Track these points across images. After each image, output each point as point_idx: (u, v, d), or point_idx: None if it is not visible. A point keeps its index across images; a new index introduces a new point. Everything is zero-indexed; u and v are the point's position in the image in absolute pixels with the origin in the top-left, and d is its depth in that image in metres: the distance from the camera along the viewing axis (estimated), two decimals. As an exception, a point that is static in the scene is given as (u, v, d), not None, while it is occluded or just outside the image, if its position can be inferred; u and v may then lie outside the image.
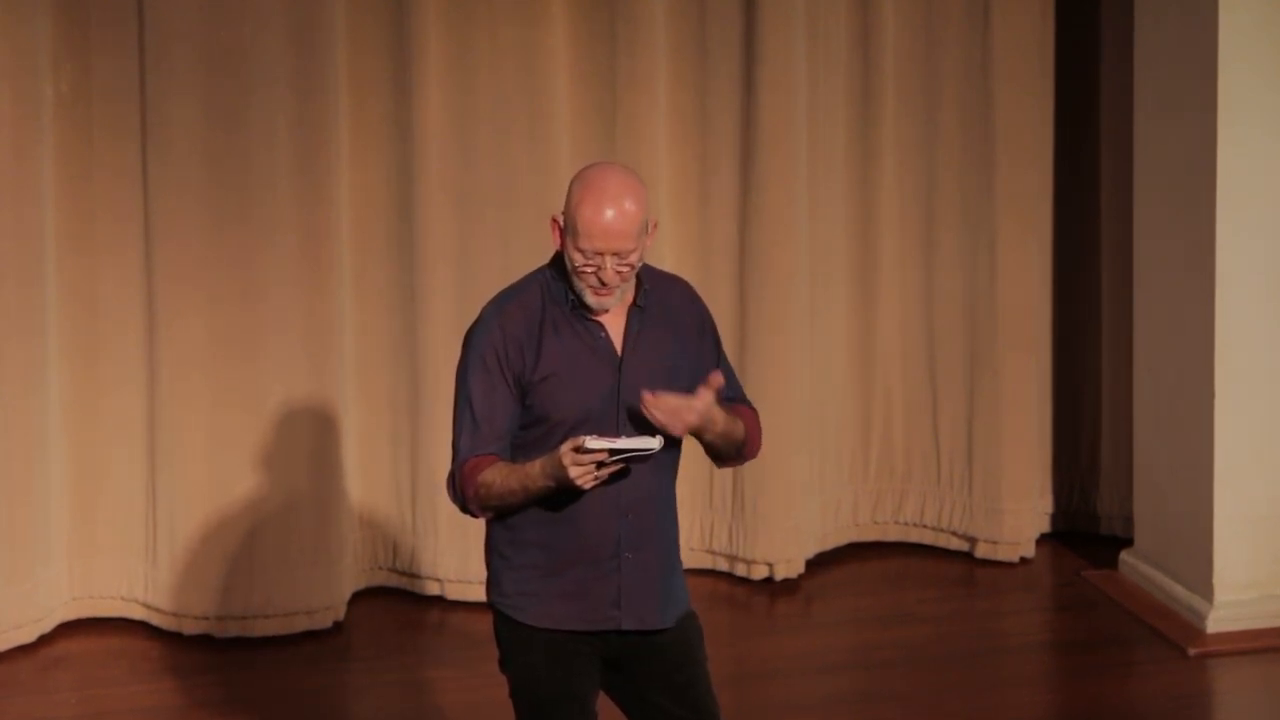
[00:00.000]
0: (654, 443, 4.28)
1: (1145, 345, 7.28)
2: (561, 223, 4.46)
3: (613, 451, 4.26)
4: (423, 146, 7.09)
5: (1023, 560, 7.69)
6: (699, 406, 4.40)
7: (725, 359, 4.70)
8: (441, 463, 7.18)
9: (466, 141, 7.12)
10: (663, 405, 4.37)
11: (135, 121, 6.88)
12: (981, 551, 7.71)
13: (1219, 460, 6.90)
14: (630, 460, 4.32)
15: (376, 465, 7.29)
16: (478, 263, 7.15)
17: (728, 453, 4.62)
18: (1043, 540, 7.84)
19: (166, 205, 6.85)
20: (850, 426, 7.73)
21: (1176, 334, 7.07)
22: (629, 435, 4.35)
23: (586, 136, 7.24)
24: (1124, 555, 7.46)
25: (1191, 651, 6.84)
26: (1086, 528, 7.93)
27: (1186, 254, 6.98)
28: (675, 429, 4.39)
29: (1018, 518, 7.68)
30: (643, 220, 4.41)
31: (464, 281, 7.15)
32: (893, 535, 7.87)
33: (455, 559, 7.23)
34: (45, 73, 6.80)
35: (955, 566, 7.67)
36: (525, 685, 4.61)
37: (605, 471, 4.31)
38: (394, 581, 7.39)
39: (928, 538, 7.82)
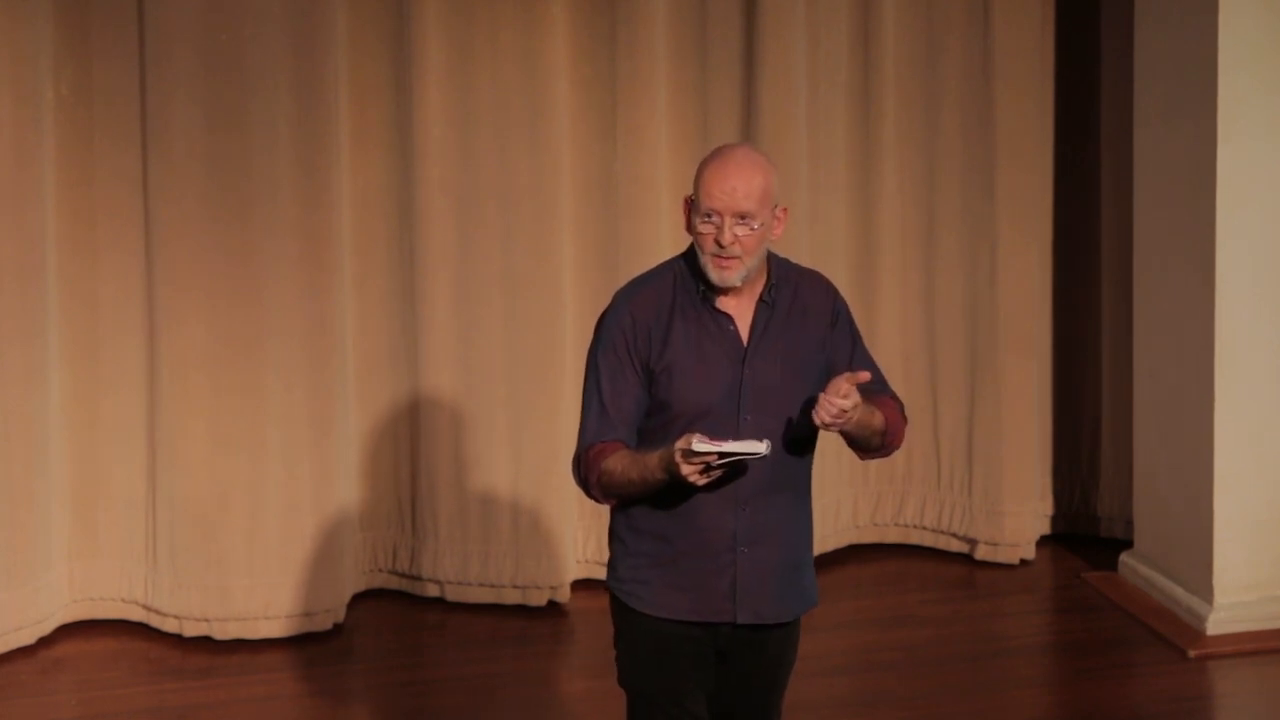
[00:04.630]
0: (761, 447, 4.28)
1: (1145, 348, 7.28)
2: (691, 201, 4.49)
3: (721, 454, 4.28)
4: (423, 149, 7.09)
5: (1023, 562, 7.69)
6: (848, 405, 4.36)
7: (863, 349, 4.68)
8: (442, 466, 7.21)
9: (467, 143, 7.12)
10: (825, 408, 4.36)
11: (136, 124, 6.88)
12: (982, 553, 7.71)
13: (1219, 462, 6.91)
14: (739, 463, 4.34)
15: (376, 467, 7.29)
16: (478, 264, 7.15)
17: (868, 444, 4.60)
18: (1043, 542, 7.84)
19: (167, 207, 6.85)
20: (850, 428, 7.73)
21: (1176, 336, 7.07)
22: (738, 439, 4.36)
23: (587, 138, 7.24)
24: (1124, 557, 7.46)
25: (1192, 653, 6.84)
26: (1087, 530, 7.93)
27: (1186, 257, 6.98)
28: (831, 423, 4.38)
29: (1018, 520, 7.68)
30: (766, 189, 4.42)
31: (464, 283, 7.15)
32: (893, 537, 7.87)
33: (455, 561, 7.23)
34: (46, 75, 6.81)
35: (955, 568, 7.67)
36: (630, 674, 4.64)
37: (716, 472, 4.32)
38: (394, 584, 7.39)
39: (928, 540, 7.83)
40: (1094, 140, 7.74)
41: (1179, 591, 7.09)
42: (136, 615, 7.10)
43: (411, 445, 7.29)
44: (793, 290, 4.57)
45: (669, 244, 7.25)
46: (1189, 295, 6.97)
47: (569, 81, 7.20)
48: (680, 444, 4.29)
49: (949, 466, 7.76)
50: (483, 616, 7.20)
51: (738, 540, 4.51)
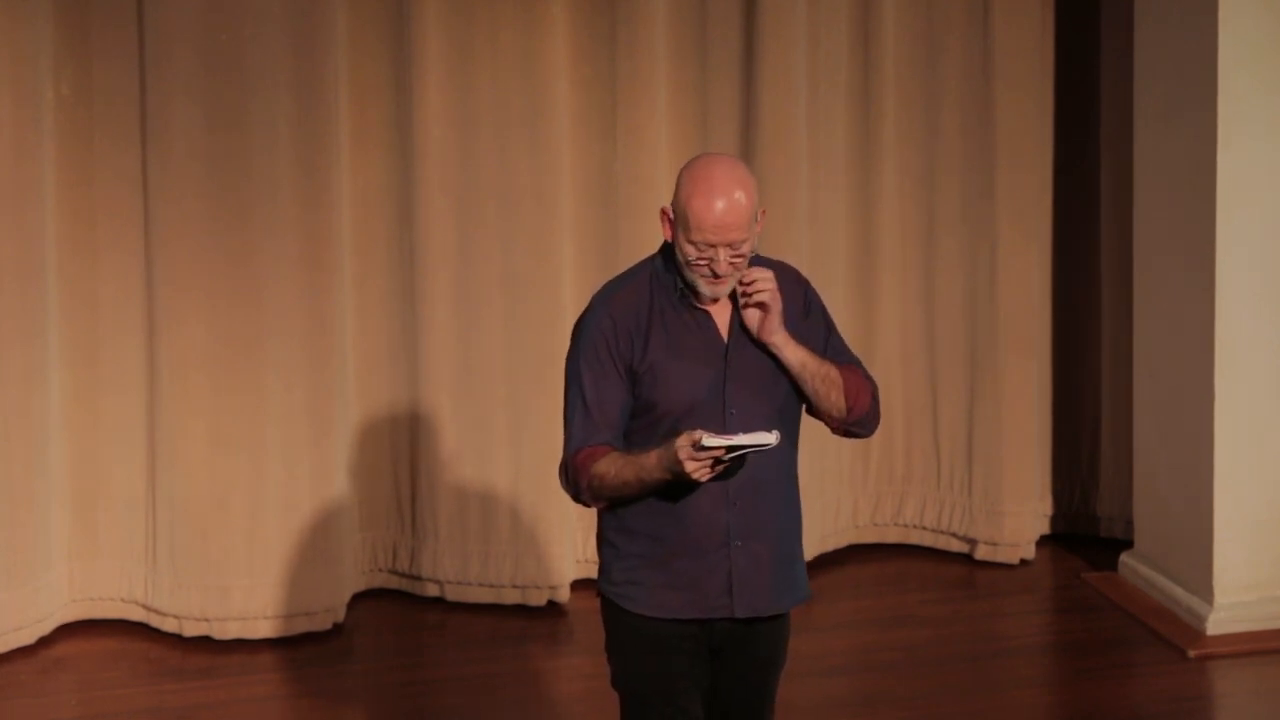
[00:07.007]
0: (770, 438, 4.28)
1: (1145, 347, 7.28)
2: (671, 215, 4.48)
3: (730, 449, 4.27)
4: (423, 149, 7.10)
5: (1023, 562, 7.69)
6: (757, 274, 4.42)
7: (838, 337, 4.70)
8: (442, 466, 7.21)
9: (467, 144, 7.13)
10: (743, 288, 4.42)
11: (136, 124, 6.89)
12: (981, 553, 7.71)
13: (1219, 462, 6.91)
14: (747, 456, 4.33)
15: (376, 466, 7.30)
16: (477, 265, 7.15)
17: (827, 400, 4.57)
18: (1043, 542, 7.84)
19: (167, 207, 6.86)
20: (850, 428, 7.73)
21: (1176, 336, 7.07)
22: (726, 433, 4.35)
23: (587, 138, 7.25)
24: (1124, 557, 7.46)
25: (1191, 653, 6.84)
26: (1086, 530, 7.93)
27: (1186, 256, 6.98)
28: (757, 290, 4.43)
29: (1018, 520, 7.68)
30: (753, 210, 4.43)
31: (464, 283, 7.16)
32: (893, 537, 7.87)
33: (455, 561, 7.24)
34: (46, 75, 6.81)
35: (955, 568, 7.67)
36: (624, 676, 4.64)
37: (721, 467, 4.32)
38: (394, 584, 7.40)
39: (928, 540, 7.83)
40: (1094, 140, 7.74)
41: (1179, 591, 7.09)
42: (136, 615, 7.10)
43: (411, 445, 7.29)
44: None
45: (669, 244, 7.26)
46: (1189, 294, 6.97)
47: (569, 81, 7.20)
48: (683, 440, 4.29)
49: (949, 466, 7.76)
50: (482, 616, 7.20)
51: (731, 535, 4.52)
